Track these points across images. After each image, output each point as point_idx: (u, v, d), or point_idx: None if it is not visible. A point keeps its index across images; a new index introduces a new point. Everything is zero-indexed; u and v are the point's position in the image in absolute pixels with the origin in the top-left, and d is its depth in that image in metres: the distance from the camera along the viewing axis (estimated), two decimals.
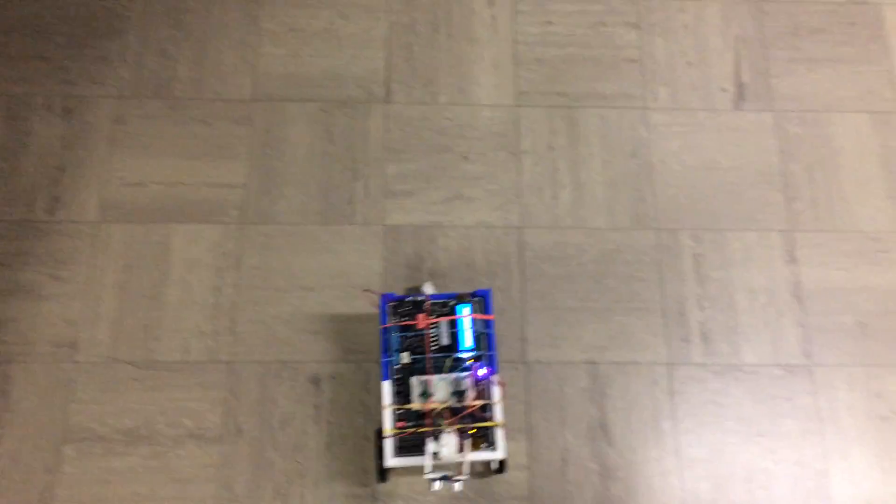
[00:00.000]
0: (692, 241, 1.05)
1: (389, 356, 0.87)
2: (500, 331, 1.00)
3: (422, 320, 0.88)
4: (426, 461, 0.82)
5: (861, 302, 1.04)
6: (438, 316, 0.89)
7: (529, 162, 1.09)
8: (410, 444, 0.84)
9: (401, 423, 0.85)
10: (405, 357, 0.87)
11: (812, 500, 0.95)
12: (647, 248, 1.05)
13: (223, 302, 1.00)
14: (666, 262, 1.05)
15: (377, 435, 0.86)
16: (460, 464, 0.83)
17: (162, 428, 0.94)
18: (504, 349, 0.99)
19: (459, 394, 0.85)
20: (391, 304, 0.90)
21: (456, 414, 0.84)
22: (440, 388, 0.86)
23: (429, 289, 0.96)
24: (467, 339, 0.88)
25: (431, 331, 0.88)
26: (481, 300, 0.91)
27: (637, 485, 0.95)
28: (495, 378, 0.86)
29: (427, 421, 0.84)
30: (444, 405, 0.85)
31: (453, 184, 1.07)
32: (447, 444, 0.82)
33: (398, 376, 0.87)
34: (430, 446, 0.82)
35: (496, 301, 1.00)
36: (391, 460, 0.84)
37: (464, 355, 0.87)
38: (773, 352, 1.01)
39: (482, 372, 0.86)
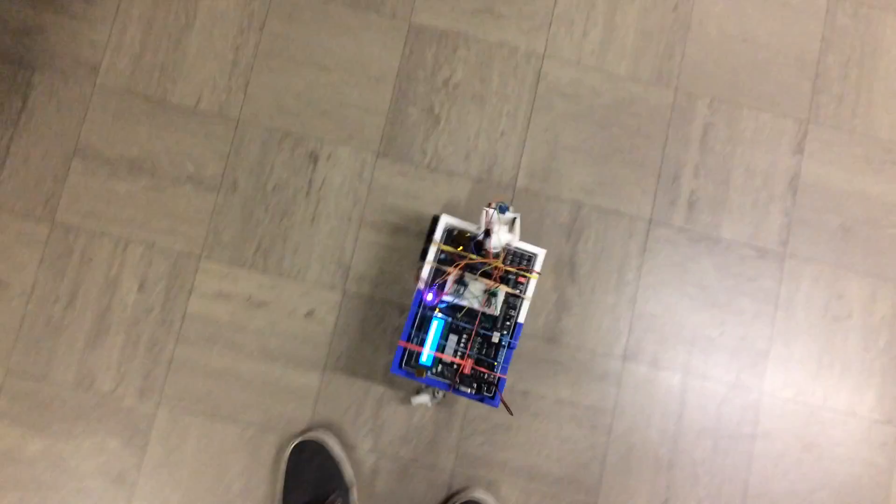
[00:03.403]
0: (707, 110, 1.05)
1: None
2: (496, 152, 1.03)
3: None
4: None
5: (852, 206, 1.05)
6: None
7: None
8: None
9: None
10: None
11: (745, 375, 1.01)
12: (660, 106, 1.05)
13: (241, 60, 1.02)
14: (675, 124, 1.05)
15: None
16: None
17: (165, 166, 1.00)
18: (496, 172, 1.03)
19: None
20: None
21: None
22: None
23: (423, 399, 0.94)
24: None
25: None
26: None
27: (588, 322, 1.01)
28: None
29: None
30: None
31: None
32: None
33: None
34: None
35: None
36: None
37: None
38: (752, 233, 1.04)
39: (430, 297, 0.84)
